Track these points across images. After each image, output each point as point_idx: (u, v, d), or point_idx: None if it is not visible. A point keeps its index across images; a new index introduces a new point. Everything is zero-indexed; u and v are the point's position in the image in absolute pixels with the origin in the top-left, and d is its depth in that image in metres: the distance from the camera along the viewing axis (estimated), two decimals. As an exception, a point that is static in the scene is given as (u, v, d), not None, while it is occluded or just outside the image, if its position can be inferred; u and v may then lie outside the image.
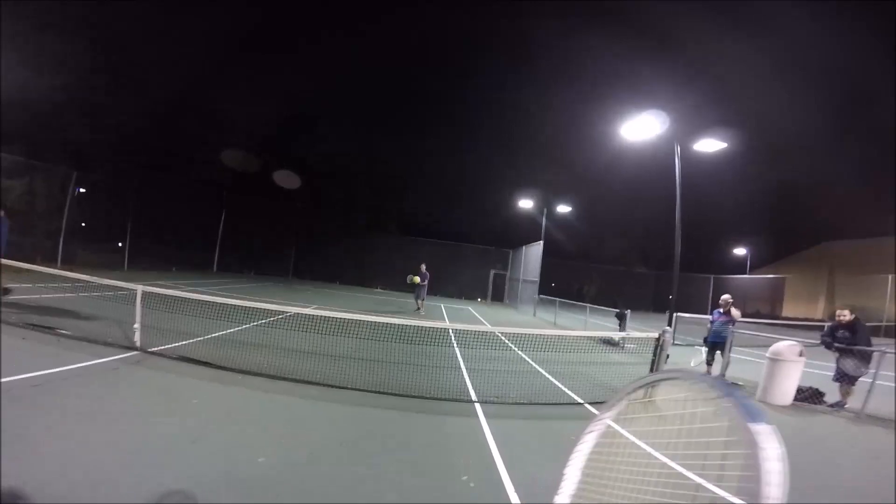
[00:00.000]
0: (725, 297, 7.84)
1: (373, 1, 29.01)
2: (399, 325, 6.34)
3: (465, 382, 5.65)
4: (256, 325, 7.33)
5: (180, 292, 5.87)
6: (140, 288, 5.53)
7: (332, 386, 4.78)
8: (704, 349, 8.09)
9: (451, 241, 27.22)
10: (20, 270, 6.66)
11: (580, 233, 30.88)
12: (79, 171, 14.71)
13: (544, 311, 17.58)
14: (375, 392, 4.76)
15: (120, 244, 16.77)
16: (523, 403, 4.97)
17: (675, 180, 8.96)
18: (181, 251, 20.23)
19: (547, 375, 6.45)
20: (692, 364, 8.86)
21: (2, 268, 6.24)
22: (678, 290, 8.93)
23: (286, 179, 29.00)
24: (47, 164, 13.95)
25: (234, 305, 5.48)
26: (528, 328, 8.79)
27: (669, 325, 9.05)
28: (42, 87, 14.17)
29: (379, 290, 23.77)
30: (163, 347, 5.39)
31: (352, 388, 4.78)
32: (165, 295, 5.75)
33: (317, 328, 6.34)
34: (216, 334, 6.41)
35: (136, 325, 5.39)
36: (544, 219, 21.26)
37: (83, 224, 15.54)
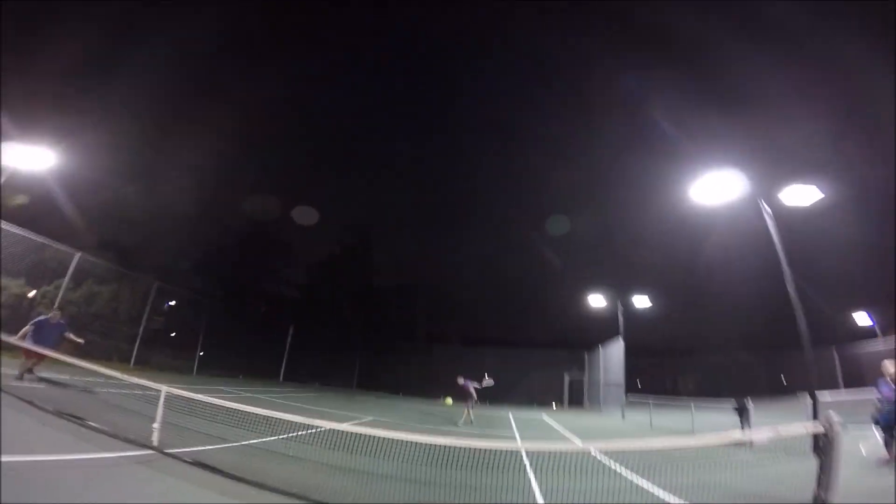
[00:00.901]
0: (888, 364, 6.11)
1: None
2: (449, 446, 4.41)
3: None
4: (285, 438, 6.22)
5: (207, 397, 5.35)
6: (164, 388, 5.14)
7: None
8: (876, 430, 6.28)
9: (519, 347, 25.73)
10: (63, 363, 6.68)
11: (664, 323, 27.51)
12: (161, 282, 16.18)
13: (635, 413, 14.83)
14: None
15: (199, 352, 17.75)
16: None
17: (765, 246, 7.55)
18: (250, 361, 20.86)
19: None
20: (863, 451, 6.54)
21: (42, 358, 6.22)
22: (796, 370, 7.07)
23: (350, 294, 30.49)
24: (134, 274, 15.52)
25: (260, 415, 4.82)
26: (627, 438, 6.81)
27: (814, 410, 7.10)
28: (142, 202, 16.47)
29: (441, 400, 22.31)
30: (180, 450, 4.69)
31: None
32: (190, 398, 5.29)
33: (354, 446, 5.26)
34: (241, 443, 5.64)
35: (156, 425, 4.85)
36: (621, 313, 19.42)
37: (160, 331, 16.66)
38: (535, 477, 5.14)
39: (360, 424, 4.84)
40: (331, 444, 5.49)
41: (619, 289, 21.41)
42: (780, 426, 4.15)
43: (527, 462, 5.69)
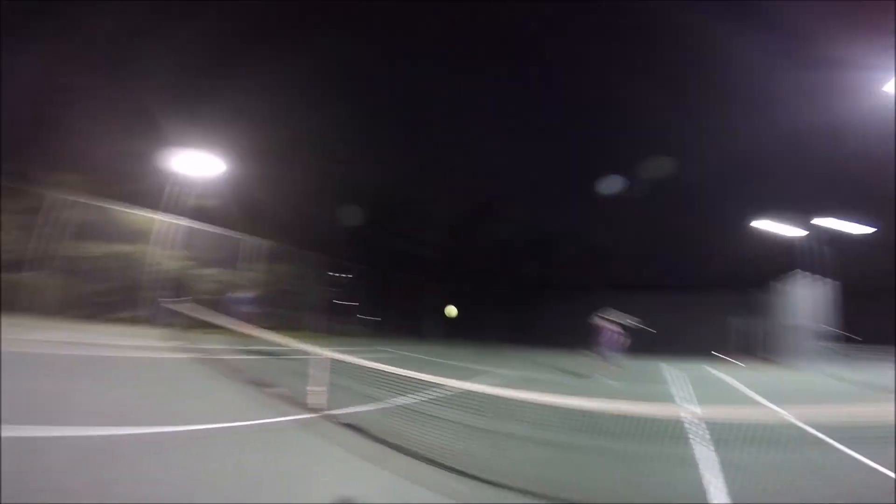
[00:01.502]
0: None
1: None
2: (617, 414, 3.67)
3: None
4: (428, 400, 6.31)
5: (360, 360, 5.49)
6: (327, 353, 5.50)
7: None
8: None
9: (675, 290, 22.88)
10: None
11: (871, 251, 20.74)
12: (333, 258, 18.72)
13: (846, 369, 11.86)
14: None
15: (366, 317, 20.55)
16: None
17: None
18: (413, 322, 23.34)
19: None
20: None
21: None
22: None
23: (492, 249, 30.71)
24: (311, 253, 18.18)
25: (402, 375, 4.80)
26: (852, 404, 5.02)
27: None
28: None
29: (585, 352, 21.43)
30: (337, 412, 5.06)
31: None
32: (350, 362, 5.51)
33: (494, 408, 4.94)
34: (390, 403, 5.82)
35: (315, 388, 5.25)
36: (809, 241, 15.51)
37: (337, 301, 19.51)
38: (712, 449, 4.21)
39: (502, 384, 4.57)
40: (474, 405, 5.32)
41: (805, 211, 17.03)
42: None
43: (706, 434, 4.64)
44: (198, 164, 13.62)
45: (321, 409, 5.02)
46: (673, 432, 4.34)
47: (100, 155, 12.89)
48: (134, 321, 11.33)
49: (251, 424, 4.33)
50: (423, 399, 6.01)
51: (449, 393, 5.76)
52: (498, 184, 31.48)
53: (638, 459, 4.03)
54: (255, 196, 18.18)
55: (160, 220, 12.66)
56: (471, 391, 4.41)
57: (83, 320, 10.39)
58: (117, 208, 12.01)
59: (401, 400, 5.81)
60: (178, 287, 12.52)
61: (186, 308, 10.54)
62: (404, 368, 4.83)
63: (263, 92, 17.51)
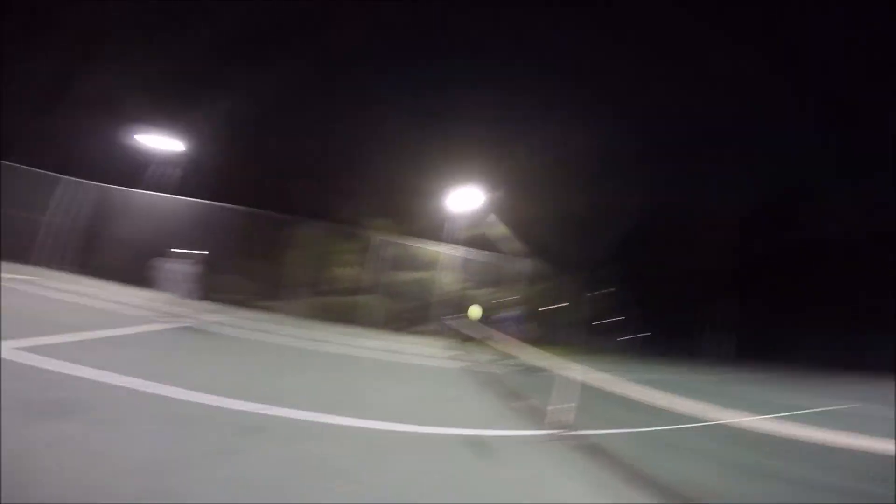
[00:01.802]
0: None
1: None
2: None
3: None
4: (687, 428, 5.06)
5: (613, 378, 5.03)
6: (579, 370, 5.45)
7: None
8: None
9: None
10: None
11: None
12: (587, 275, 18.11)
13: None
14: None
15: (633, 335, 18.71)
16: None
17: None
18: (688, 341, 19.86)
19: None
20: None
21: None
22: None
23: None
24: (566, 272, 18.15)
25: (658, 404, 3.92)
26: None
27: None
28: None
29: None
30: (583, 432, 4.89)
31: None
32: (604, 382, 5.44)
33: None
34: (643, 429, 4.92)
35: (561, 406, 5.17)
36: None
37: (598, 319, 18.62)
38: None
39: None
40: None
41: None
42: None
43: None
44: (467, 198, 15.86)
45: (566, 428, 4.96)
46: None
47: (400, 203, 17.01)
48: (426, 333, 13.90)
49: (497, 435, 4.64)
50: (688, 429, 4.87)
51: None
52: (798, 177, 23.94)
53: None
54: (517, 221, 19.60)
55: (444, 251, 15.23)
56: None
57: (394, 332, 13.45)
58: (414, 243, 15.57)
59: (657, 427, 5.34)
60: (458, 305, 14.53)
61: (462, 324, 12.00)
62: (668, 393, 3.97)
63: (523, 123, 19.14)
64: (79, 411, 3.15)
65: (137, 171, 15.75)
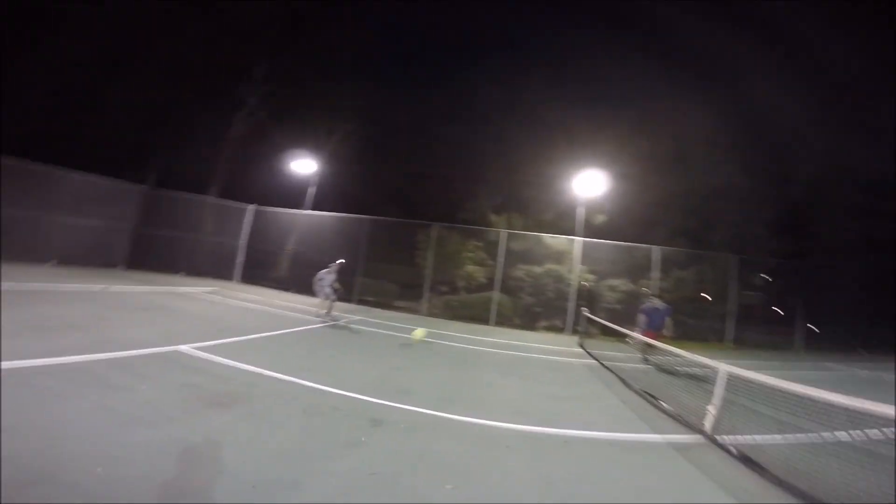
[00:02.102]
0: None
1: None
2: None
3: None
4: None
5: (769, 378, 4.04)
6: (722, 367, 4.64)
7: None
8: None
9: None
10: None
11: None
12: (741, 255, 15.01)
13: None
14: None
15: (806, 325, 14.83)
16: None
17: None
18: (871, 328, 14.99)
19: None
20: None
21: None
22: None
23: None
24: (712, 253, 15.46)
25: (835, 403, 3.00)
26: None
27: None
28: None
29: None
30: (730, 438, 4.15)
31: None
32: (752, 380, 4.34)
33: None
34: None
35: (710, 407, 4.29)
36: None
37: (754, 306, 15.37)
38: None
39: None
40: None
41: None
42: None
43: None
44: (592, 183, 14.72)
45: (710, 432, 4.34)
46: None
47: (524, 196, 16.67)
48: (554, 329, 13.27)
49: (628, 438, 4.20)
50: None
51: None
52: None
53: None
54: (650, 204, 17.44)
55: (571, 241, 14.39)
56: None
57: (521, 327, 13.15)
58: (541, 236, 15.11)
59: (829, 432, 4.16)
60: (588, 298, 13.55)
61: (593, 317, 11.14)
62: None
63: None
64: (238, 402, 3.72)
65: (291, 192, 18.62)
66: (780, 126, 20.29)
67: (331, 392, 4.36)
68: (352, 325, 9.60)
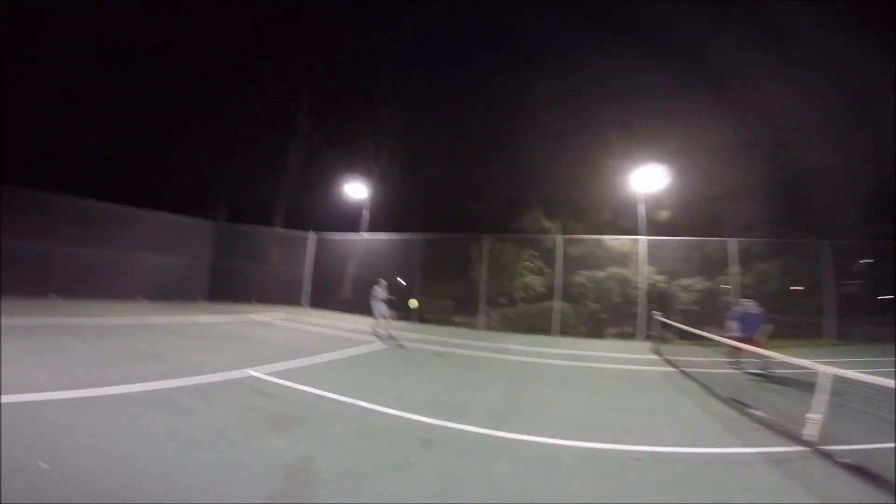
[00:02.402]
0: None
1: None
2: None
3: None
4: None
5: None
6: (827, 370, 4.01)
7: None
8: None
9: None
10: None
11: None
12: (832, 241, 13.14)
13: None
14: None
15: None
16: None
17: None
18: None
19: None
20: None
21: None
22: None
23: None
24: (797, 240, 13.76)
25: None
26: None
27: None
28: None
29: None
30: (838, 447, 3.59)
31: None
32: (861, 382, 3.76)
33: None
34: None
35: (812, 416, 3.72)
36: None
37: (856, 296, 13.34)
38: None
39: None
40: None
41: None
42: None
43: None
44: (648, 180, 13.84)
45: (812, 442, 3.80)
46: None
47: (578, 198, 16.05)
48: (623, 335, 12.45)
49: (714, 453, 3.76)
50: None
51: None
52: None
53: None
54: (720, 194, 15.95)
55: (633, 241, 13.55)
56: None
57: (587, 336, 12.49)
58: (599, 238, 14.38)
59: None
60: (659, 301, 12.61)
61: (667, 321, 10.35)
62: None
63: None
64: (297, 425, 3.79)
65: (348, 216, 19.45)
66: (872, 95, 17.77)
67: (384, 412, 4.33)
68: (409, 344, 9.65)
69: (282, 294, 17.11)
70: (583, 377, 7.10)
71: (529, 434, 3.87)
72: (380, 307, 10.30)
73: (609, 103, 18.85)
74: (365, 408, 4.46)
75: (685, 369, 7.64)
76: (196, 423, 3.62)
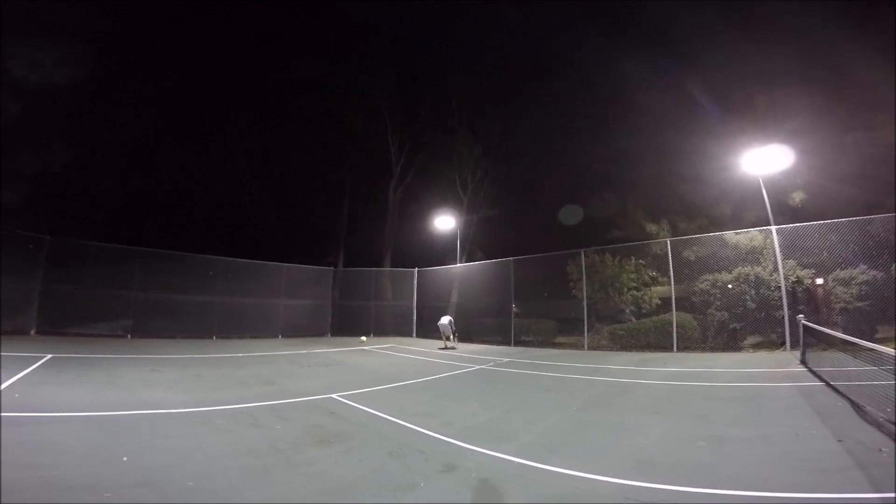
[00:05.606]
0: None
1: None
2: None
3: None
4: None
5: None
6: None
7: None
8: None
9: None
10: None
11: None
12: None
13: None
14: None
15: None
16: None
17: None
18: None
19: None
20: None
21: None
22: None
23: None
24: None
25: None
26: None
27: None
28: None
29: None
30: None
31: None
32: None
33: None
34: None
35: None
36: None
37: None
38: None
39: None
40: None
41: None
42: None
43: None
44: (770, 161, 11.62)
45: None
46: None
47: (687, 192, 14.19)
48: (767, 346, 10.36)
49: (828, 500, 2.77)
50: None
51: None
52: None
53: None
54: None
55: (762, 233, 11.40)
56: None
57: (718, 350, 10.73)
58: (721, 234, 12.35)
59: None
60: (809, 300, 10.20)
61: (812, 325, 8.35)
62: None
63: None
64: (340, 440, 4.04)
65: (447, 247, 20.25)
66: None
67: (426, 434, 4.31)
68: (498, 368, 9.43)
69: (395, 326, 18.48)
70: (681, 399, 6.02)
71: (571, 468, 3.35)
72: (446, 331, 12.12)
73: (721, 84, 16.40)
74: (410, 429, 4.51)
75: (835, 382, 5.97)
76: (258, 435, 4.12)
